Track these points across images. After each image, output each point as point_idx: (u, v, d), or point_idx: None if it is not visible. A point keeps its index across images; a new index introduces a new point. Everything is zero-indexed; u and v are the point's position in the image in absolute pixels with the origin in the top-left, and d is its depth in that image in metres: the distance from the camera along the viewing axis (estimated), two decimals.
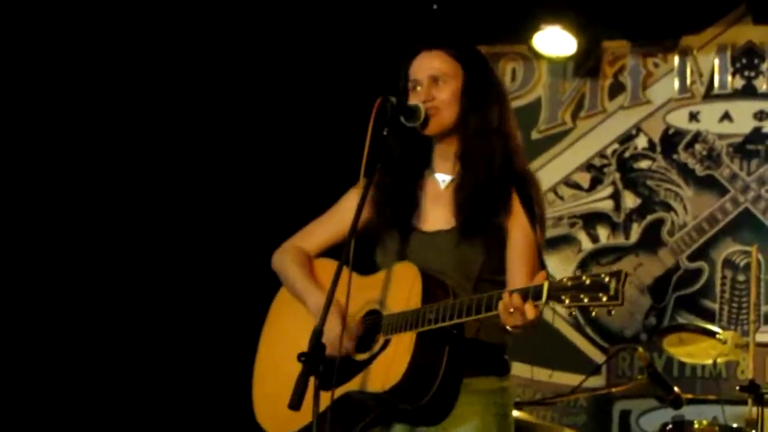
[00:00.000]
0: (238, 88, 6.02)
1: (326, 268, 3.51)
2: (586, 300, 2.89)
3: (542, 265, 3.26)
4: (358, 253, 3.23)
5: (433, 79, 3.42)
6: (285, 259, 3.62)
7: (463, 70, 3.44)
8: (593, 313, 2.96)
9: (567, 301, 2.93)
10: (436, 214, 3.45)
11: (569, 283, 2.93)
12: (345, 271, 3.16)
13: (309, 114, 6.09)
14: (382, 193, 3.47)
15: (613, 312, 2.93)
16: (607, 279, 2.88)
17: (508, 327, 3.07)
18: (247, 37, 6.01)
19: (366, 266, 3.42)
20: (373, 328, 3.33)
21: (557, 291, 2.96)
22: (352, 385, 3.28)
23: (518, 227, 3.32)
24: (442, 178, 3.49)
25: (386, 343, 3.27)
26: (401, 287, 3.30)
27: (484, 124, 3.40)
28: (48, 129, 5.65)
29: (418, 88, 3.43)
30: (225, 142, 6.03)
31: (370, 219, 3.47)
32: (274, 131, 6.07)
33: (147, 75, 5.86)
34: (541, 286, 2.99)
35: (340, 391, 3.27)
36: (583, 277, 2.92)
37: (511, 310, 3.02)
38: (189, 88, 5.92)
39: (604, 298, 2.87)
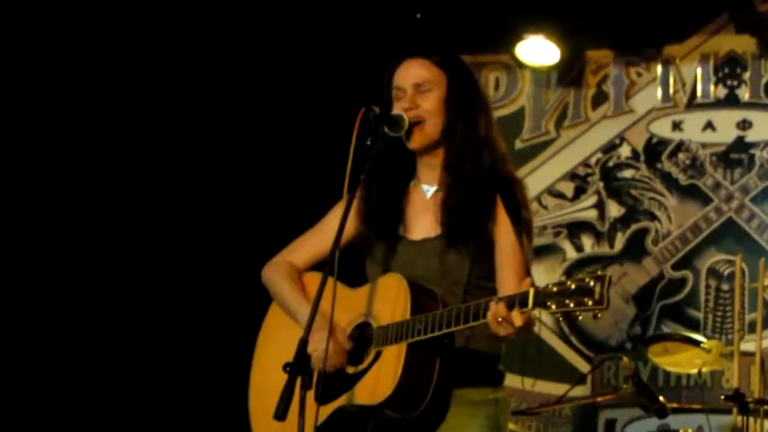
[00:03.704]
0: (223, 99, 6.00)
1: (315, 281, 3.48)
2: (571, 305, 2.87)
3: (528, 273, 3.25)
4: (347, 265, 3.21)
5: (417, 87, 3.39)
6: (275, 274, 3.60)
7: (447, 78, 3.41)
8: (579, 318, 2.93)
9: (553, 307, 2.90)
10: (423, 223, 3.42)
11: (555, 289, 2.91)
12: (331, 283, 3.14)
13: (294, 125, 6.07)
14: (369, 203, 3.44)
15: (599, 316, 2.91)
16: (592, 283, 2.85)
17: (498, 335, 3.06)
18: (229, 46, 5.99)
19: (356, 278, 3.40)
20: (364, 340, 3.31)
21: (543, 297, 2.93)
22: (345, 398, 3.26)
23: (504, 233, 3.30)
24: (428, 188, 3.46)
25: (377, 355, 3.26)
26: (390, 298, 3.28)
27: (471, 132, 3.38)
28: (43, 130, 5.64)
29: (402, 96, 3.40)
30: (212, 152, 6.01)
31: (359, 230, 3.45)
32: (260, 143, 6.06)
33: (131, 85, 5.85)
34: (527, 293, 2.97)
35: (332, 406, 3.26)
36: (568, 282, 2.90)
37: (499, 319, 3.00)
38: (177, 96, 5.90)
39: (590, 303, 2.85)
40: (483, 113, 3.44)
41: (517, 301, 2.99)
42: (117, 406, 5.71)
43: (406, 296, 3.23)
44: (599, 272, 2.87)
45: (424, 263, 3.34)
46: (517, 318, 2.99)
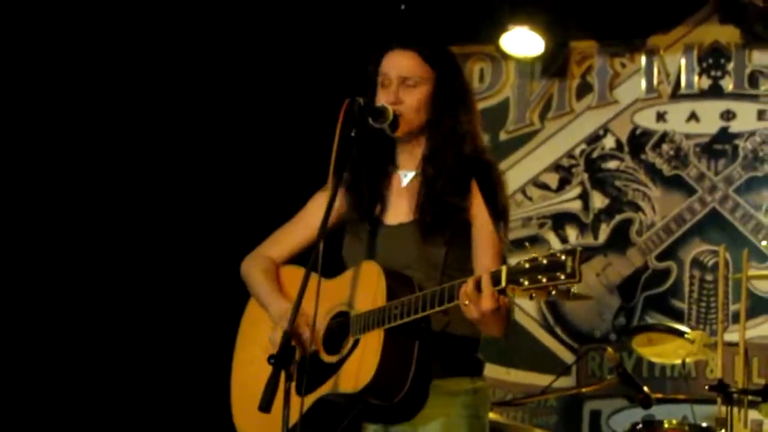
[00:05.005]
0: (205, 91, 5.98)
1: (293, 274, 3.52)
2: (544, 280, 2.86)
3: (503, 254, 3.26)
4: (324, 255, 3.19)
5: (403, 80, 3.40)
6: (251, 268, 3.62)
7: (435, 74, 3.43)
8: (553, 293, 2.90)
9: (526, 284, 2.89)
10: (399, 208, 3.45)
11: (527, 266, 2.91)
12: (313, 275, 3.14)
13: (276, 115, 6.06)
14: (353, 188, 3.46)
15: (573, 290, 2.90)
16: (563, 257, 2.85)
17: (470, 318, 3.05)
18: (212, 37, 5.97)
19: (331, 267, 3.39)
20: (342, 329, 3.32)
21: (515, 274, 2.93)
22: (326, 388, 3.27)
23: (480, 216, 3.33)
24: (405, 174, 3.49)
25: (356, 343, 3.27)
26: (366, 286, 3.30)
27: (454, 128, 3.41)
28: (27, 130, 5.62)
29: (387, 83, 3.42)
30: (192, 145, 5.99)
31: (341, 214, 3.48)
32: (241, 134, 6.05)
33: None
34: (499, 271, 2.98)
35: (314, 396, 3.27)
36: (540, 258, 2.89)
37: (467, 302, 3.01)
38: (155, 88, 5.88)
39: (562, 277, 2.84)
40: (468, 109, 3.47)
41: (490, 279, 2.98)
42: (94, 400, 5.69)
43: (382, 283, 3.24)
44: (570, 247, 2.87)
45: (401, 248, 3.36)
46: (485, 299, 2.98)
